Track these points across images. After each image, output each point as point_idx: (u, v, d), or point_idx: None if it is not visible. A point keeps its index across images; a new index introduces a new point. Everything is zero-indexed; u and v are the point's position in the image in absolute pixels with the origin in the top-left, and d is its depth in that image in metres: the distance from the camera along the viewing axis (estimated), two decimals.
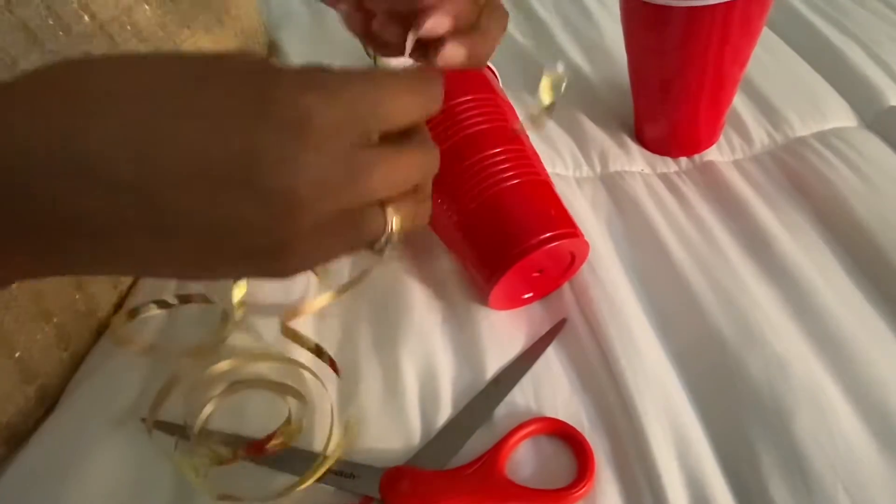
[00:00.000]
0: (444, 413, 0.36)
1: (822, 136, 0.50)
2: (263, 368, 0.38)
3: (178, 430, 0.35)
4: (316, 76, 0.21)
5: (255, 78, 0.21)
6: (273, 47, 0.63)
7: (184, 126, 0.20)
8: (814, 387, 0.35)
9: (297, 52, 0.62)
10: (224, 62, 0.21)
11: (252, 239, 0.21)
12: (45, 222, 0.20)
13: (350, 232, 0.23)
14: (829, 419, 0.33)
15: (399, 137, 0.24)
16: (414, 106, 0.24)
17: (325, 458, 0.32)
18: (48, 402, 0.38)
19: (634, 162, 0.51)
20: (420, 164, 0.24)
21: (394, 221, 0.24)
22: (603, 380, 0.37)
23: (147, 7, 0.44)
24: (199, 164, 0.20)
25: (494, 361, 0.38)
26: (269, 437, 0.34)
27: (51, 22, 0.37)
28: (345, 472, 0.33)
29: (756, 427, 0.34)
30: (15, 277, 0.24)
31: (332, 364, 0.37)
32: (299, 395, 0.36)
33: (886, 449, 0.33)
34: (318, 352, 0.37)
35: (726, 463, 0.33)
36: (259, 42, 0.59)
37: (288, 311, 0.36)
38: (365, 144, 0.22)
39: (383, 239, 0.24)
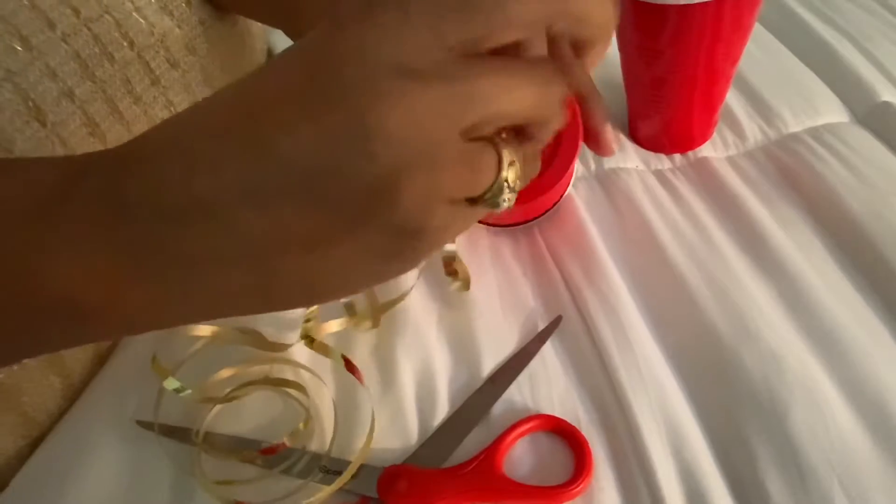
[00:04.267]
0: (441, 411, 0.36)
1: (814, 132, 0.50)
2: (264, 370, 0.38)
3: (182, 434, 0.35)
4: None
5: (317, 35, 0.20)
6: (269, 52, 0.63)
7: (264, 128, 0.19)
8: (809, 381, 0.35)
9: None
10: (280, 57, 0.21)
11: (377, 210, 0.19)
12: (170, 260, 0.21)
13: (466, 175, 0.21)
14: (824, 413, 0.34)
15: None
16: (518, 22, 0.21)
17: (351, 462, 0.33)
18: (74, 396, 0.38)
19: (629, 159, 0.51)
20: (537, 87, 0.21)
21: (506, 163, 0.21)
22: (598, 376, 0.37)
23: (179, 31, 0.45)
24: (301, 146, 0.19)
25: (490, 359, 0.38)
26: (280, 442, 0.34)
27: (97, 51, 0.38)
28: (343, 472, 0.33)
29: (751, 422, 0.34)
30: (140, 322, 0.24)
31: (357, 373, 0.36)
32: (303, 396, 0.36)
33: (881, 442, 0.33)
34: (347, 362, 0.36)
35: (722, 458, 0.33)
36: (261, 48, 0.59)
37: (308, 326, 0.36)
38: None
39: (498, 181, 0.22)
